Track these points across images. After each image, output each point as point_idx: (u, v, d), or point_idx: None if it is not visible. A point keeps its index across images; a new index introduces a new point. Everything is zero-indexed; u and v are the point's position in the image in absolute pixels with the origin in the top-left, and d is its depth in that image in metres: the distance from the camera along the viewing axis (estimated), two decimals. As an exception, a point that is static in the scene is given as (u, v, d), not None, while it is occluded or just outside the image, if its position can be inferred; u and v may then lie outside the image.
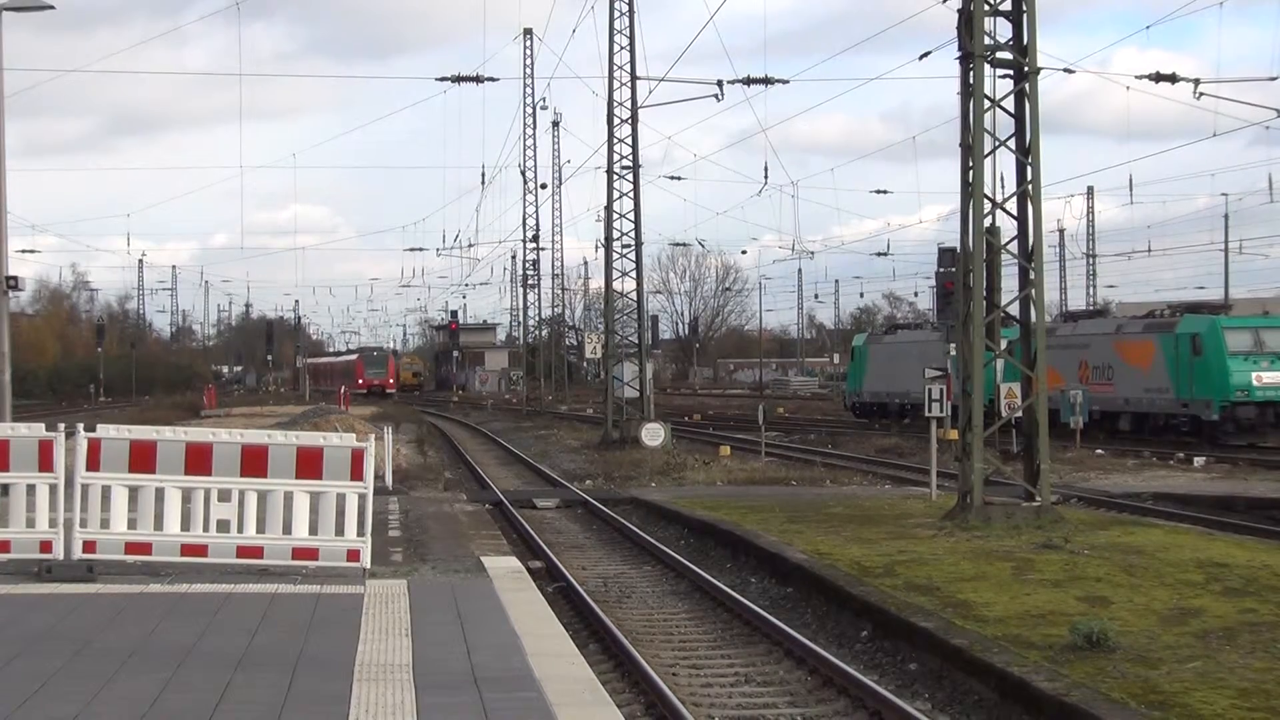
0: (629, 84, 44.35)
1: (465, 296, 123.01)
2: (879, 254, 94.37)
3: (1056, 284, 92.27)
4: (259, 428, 28.95)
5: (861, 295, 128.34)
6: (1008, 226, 21.04)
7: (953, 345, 26.57)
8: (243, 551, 13.67)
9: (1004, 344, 22.35)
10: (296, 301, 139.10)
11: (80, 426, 13.92)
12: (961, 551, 17.72)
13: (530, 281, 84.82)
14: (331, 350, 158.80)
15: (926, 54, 29.35)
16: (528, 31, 73.67)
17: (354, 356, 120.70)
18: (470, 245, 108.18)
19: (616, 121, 44.69)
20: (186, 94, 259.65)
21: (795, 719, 11.52)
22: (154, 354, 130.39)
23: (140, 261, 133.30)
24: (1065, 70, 36.15)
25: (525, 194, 78.52)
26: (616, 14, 44.65)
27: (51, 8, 27.15)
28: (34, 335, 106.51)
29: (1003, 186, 21.29)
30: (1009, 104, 20.86)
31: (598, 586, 17.98)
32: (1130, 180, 74.24)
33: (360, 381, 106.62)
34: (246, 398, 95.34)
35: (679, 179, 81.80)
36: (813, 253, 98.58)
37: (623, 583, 18.63)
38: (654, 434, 33.44)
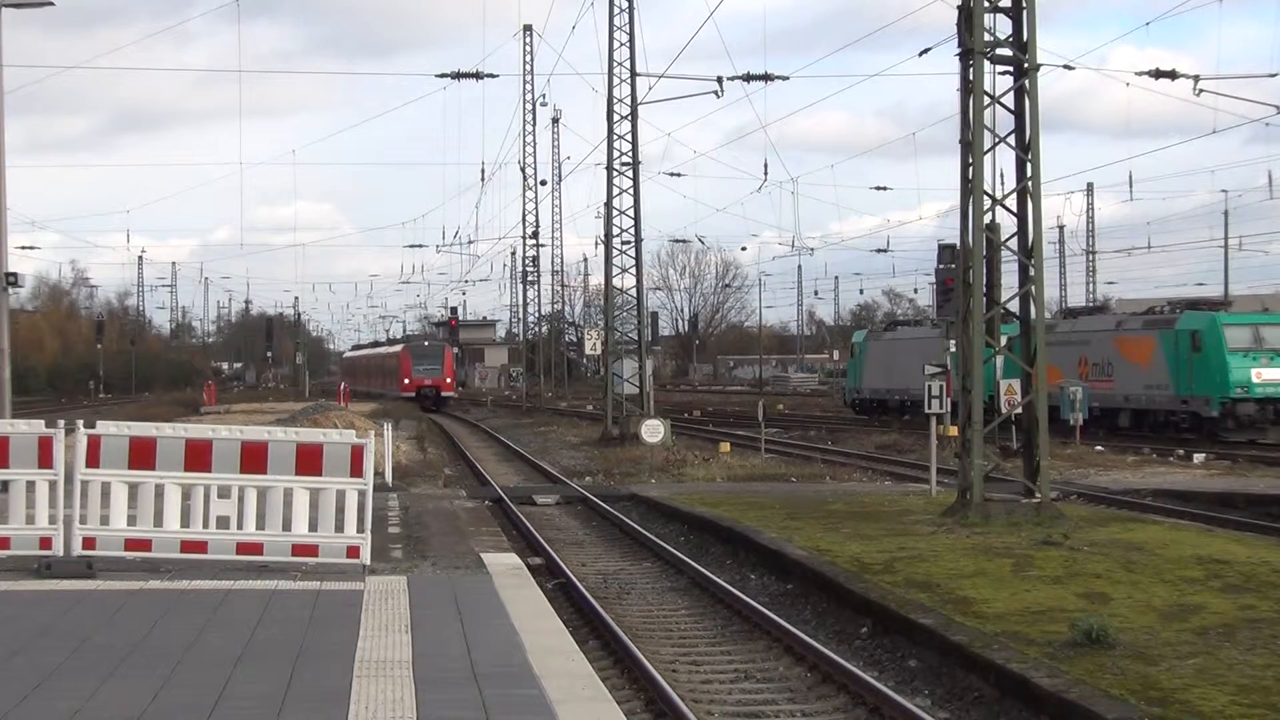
0: (629, 80, 44.40)
1: (465, 293, 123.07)
2: (879, 250, 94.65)
3: (1056, 280, 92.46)
4: (258, 424, 28.98)
5: (861, 292, 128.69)
6: (1008, 223, 21.08)
7: (952, 342, 26.59)
8: (242, 548, 13.68)
9: (1004, 340, 22.35)
10: (296, 298, 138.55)
11: (80, 423, 13.92)
12: (961, 548, 17.73)
13: (530, 278, 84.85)
14: (365, 344, 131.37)
15: (926, 50, 29.33)
16: (527, 28, 73.72)
17: (397, 349, 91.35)
18: (470, 242, 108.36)
19: (616, 118, 44.71)
20: (188, 92, 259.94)
21: (795, 715, 11.52)
22: (154, 351, 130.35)
23: (140, 258, 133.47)
24: (1065, 67, 36.11)
25: (525, 190, 78.54)
26: (616, 10, 44.72)
27: (51, 4, 27.13)
28: (33, 332, 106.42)
29: (1002, 183, 21.34)
30: (1009, 100, 20.87)
31: (597, 583, 17.99)
32: (1130, 177, 74.42)
33: (406, 382, 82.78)
34: (246, 394, 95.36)
35: (679, 175, 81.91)
36: (812, 249, 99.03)
37: (622, 579, 18.63)
38: (654, 430, 33.36)
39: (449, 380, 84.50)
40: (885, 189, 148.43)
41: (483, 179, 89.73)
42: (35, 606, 11.92)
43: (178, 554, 13.67)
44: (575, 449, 43.30)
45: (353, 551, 13.76)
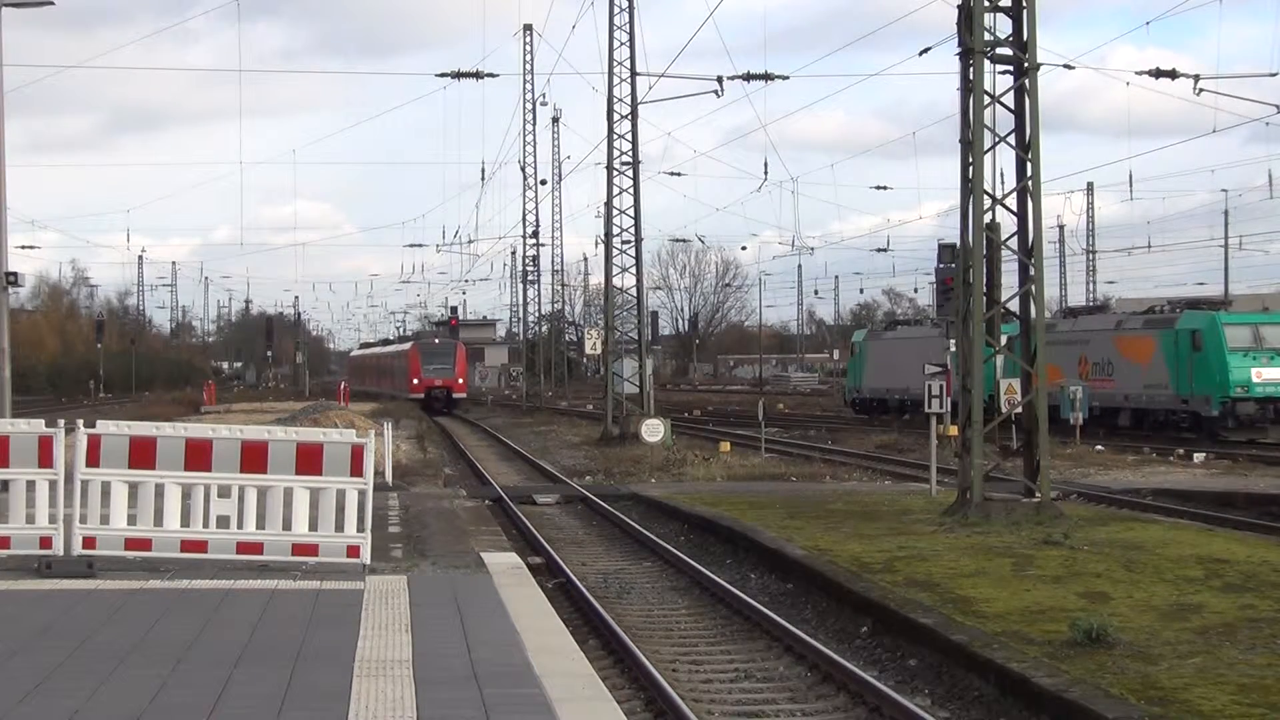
0: (629, 80, 44.39)
1: (465, 293, 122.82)
2: (879, 250, 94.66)
3: (1056, 280, 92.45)
4: (259, 424, 28.98)
5: (861, 291, 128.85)
6: (1008, 222, 21.08)
7: (952, 341, 26.58)
8: (242, 548, 13.68)
9: (1004, 340, 22.34)
10: (296, 298, 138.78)
11: (80, 422, 13.92)
12: (961, 547, 17.73)
13: (530, 278, 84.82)
14: (375, 341, 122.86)
15: (926, 50, 29.23)
16: (527, 27, 73.73)
17: (406, 346, 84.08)
18: (470, 241, 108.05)
19: (616, 117, 44.70)
20: (189, 91, 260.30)
21: (795, 715, 11.52)
22: (154, 350, 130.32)
23: (140, 257, 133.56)
24: (1065, 66, 36.06)
25: (525, 190, 78.55)
26: (616, 10, 44.72)
27: (51, 3, 27.13)
28: (34, 331, 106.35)
29: (1003, 182, 21.34)
30: (1009, 100, 20.87)
31: (598, 582, 17.98)
32: (1130, 176, 74.46)
33: (415, 382, 76.94)
34: (246, 394, 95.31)
35: (679, 175, 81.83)
36: (812, 249, 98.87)
37: (622, 578, 18.63)
38: (654, 430, 33.40)
39: (461, 380, 78.72)
40: (885, 189, 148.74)
41: (483, 178, 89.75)
42: (35, 606, 11.91)
43: (178, 553, 13.67)
44: (575, 448, 43.30)
45: (353, 551, 13.76)
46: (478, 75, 45.63)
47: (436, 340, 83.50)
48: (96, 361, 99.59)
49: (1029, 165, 20.77)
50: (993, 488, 21.56)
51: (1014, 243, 21.05)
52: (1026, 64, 20.65)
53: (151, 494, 13.63)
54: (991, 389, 22.45)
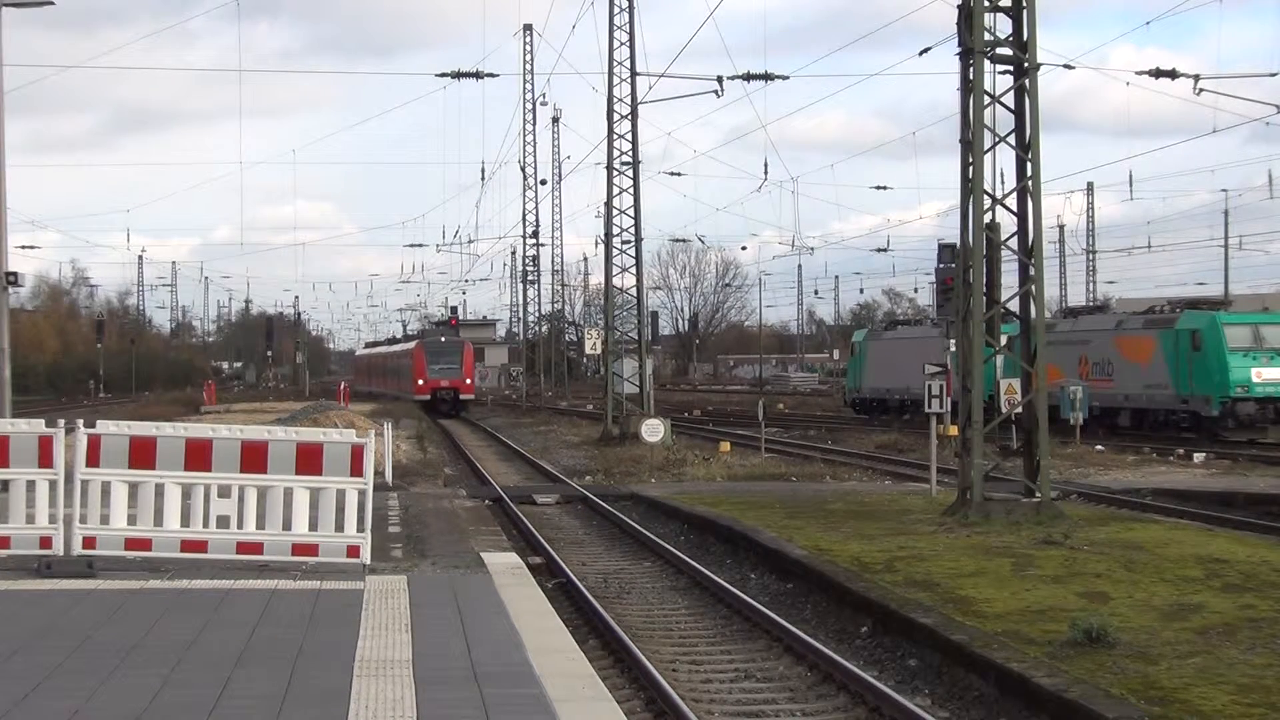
0: (629, 80, 44.38)
1: (465, 293, 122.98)
2: (879, 250, 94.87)
3: (1056, 280, 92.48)
4: (259, 424, 28.98)
5: (861, 291, 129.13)
6: (1007, 222, 21.09)
7: (952, 341, 26.58)
8: (242, 548, 13.68)
9: (1004, 340, 22.34)
10: (296, 297, 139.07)
11: (80, 422, 13.92)
12: (961, 547, 17.73)
13: (530, 277, 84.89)
14: (382, 340, 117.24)
15: (926, 50, 29.21)
16: (528, 27, 73.99)
17: (411, 345, 79.55)
18: (470, 241, 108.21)
19: (616, 117, 44.69)
20: (188, 91, 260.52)
21: (795, 715, 11.52)
22: (154, 350, 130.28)
23: (140, 257, 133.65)
24: (1065, 66, 36.04)
25: (525, 190, 78.70)
26: (616, 10, 44.70)
27: (52, 3, 27.13)
28: (33, 331, 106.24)
29: (1002, 182, 21.34)
30: (1009, 100, 20.87)
31: (597, 582, 17.98)
32: (1130, 176, 74.60)
33: (420, 383, 73.32)
34: (246, 394, 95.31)
35: (679, 175, 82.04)
36: (812, 249, 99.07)
37: (622, 578, 18.62)
38: (654, 430, 33.35)
39: (469, 381, 74.87)
40: (885, 189, 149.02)
41: (483, 178, 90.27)
42: (35, 606, 11.91)
43: (178, 553, 13.67)
44: (575, 448, 43.29)
45: (353, 551, 13.76)
46: (478, 75, 45.60)
47: (443, 339, 78.67)
48: (96, 361, 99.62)
49: (1029, 165, 20.77)
50: (993, 488, 21.55)
51: (1014, 243, 21.05)
52: (1026, 64, 20.66)
53: (151, 494, 13.63)
54: (991, 389, 22.46)
